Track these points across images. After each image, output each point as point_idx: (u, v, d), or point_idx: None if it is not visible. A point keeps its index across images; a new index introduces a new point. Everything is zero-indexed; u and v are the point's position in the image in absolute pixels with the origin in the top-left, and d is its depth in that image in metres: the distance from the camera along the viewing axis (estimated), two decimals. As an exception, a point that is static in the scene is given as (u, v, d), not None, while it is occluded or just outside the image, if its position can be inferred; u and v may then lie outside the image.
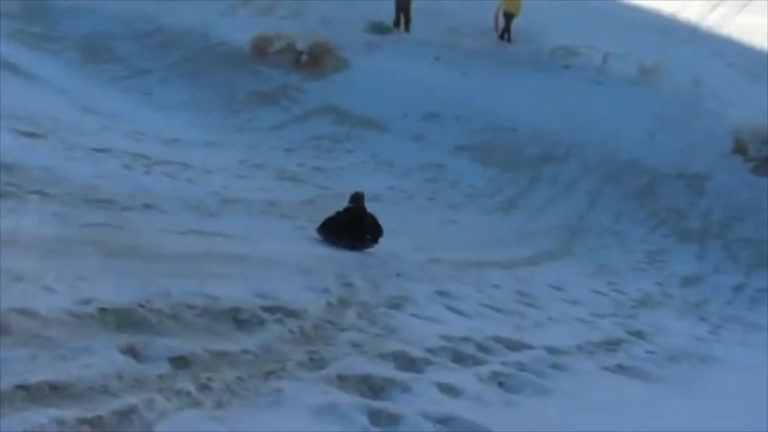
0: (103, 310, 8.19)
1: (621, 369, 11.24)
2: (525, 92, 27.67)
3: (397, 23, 31.11)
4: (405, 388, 8.38)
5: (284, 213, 16.97)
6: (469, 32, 31.17)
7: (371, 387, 8.28)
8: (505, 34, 30.86)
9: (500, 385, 9.35)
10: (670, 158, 25.61)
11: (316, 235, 14.94)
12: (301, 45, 28.72)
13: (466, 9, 32.18)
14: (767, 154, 25.70)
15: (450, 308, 12.11)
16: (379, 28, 30.88)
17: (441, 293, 12.78)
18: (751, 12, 35.28)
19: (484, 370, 9.56)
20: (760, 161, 25.59)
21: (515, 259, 18.38)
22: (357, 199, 15.21)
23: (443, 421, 7.83)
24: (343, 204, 15.38)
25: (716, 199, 24.51)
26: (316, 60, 28.51)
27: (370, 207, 15.45)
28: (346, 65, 28.72)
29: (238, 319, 9.20)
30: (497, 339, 10.87)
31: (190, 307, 9.02)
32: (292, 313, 9.76)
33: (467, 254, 17.30)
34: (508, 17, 30.69)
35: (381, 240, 14.99)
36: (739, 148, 25.99)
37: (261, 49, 28.82)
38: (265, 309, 9.61)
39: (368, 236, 14.96)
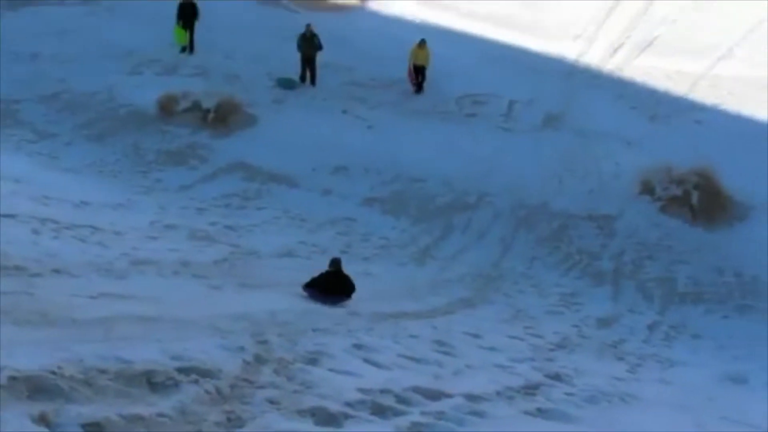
0: (13, 379, 7.95)
1: (540, 412, 11.23)
2: (432, 142, 27.87)
3: (303, 78, 31.13)
4: (324, 444, 8.27)
5: (197, 273, 16.80)
6: (375, 85, 31.35)
7: (290, 444, 8.16)
8: (419, 86, 31.09)
9: (420, 435, 9.29)
10: (580, 201, 25.92)
11: (302, 292, 16.97)
12: (207, 103, 28.55)
13: (371, 63, 32.31)
14: (674, 193, 26.09)
15: (368, 361, 12.01)
16: (285, 84, 30.87)
17: (358, 346, 12.68)
18: (651, 54, 35.97)
19: (404, 421, 9.49)
20: (667, 201, 26.01)
21: (431, 308, 18.37)
22: (336, 263, 17.63)
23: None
24: (258, 261, 15.42)
25: (627, 239, 24.83)
26: (223, 117, 28.38)
27: (283, 263, 15.43)
28: (254, 121, 28.66)
29: (152, 382, 9.00)
30: (416, 389, 10.79)
31: (103, 371, 8.79)
32: (207, 374, 9.59)
33: (383, 306, 17.25)
34: (419, 69, 30.92)
35: (354, 295, 17.37)
36: (646, 189, 26.38)
37: (167, 108, 28.61)
38: (180, 370, 9.42)
39: (346, 293, 17.31)
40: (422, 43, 30.81)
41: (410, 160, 26.79)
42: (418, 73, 31.06)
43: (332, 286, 17.17)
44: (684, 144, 29.14)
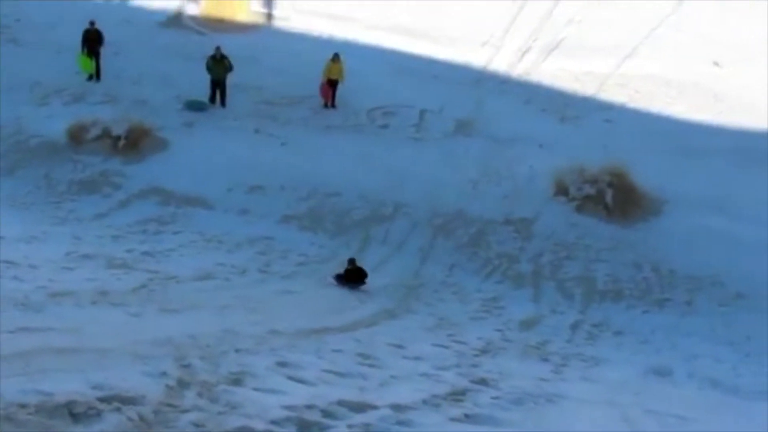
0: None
1: (467, 418, 11.24)
2: (346, 156, 27.90)
3: (213, 99, 30.98)
4: (252, 463, 8.20)
5: (116, 301, 16.56)
6: (286, 102, 31.33)
7: (217, 466, 8.08)
8: (330, 101, 31.14)
9: (346, 448, 9.26)
10: (496, 206, 26.08)
11: (332, 281, 21.37)
12: (117, 129, 28.23)
13: (281, 81, 32.31)
14: (588, 192, 26.36)
15: (292, 378, 11.93)
16: (195, 106, 30.69)
17: (281, 364, 12.59)
18: (559, 57, 36.38)
19: (330, 435, 9.45)
20: (582, 200, 26.27)
21: (354, 321, 18.30)
22: (352, 261, 22.02)
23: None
24: (177, 286, 15.34)
25: (544, 241, 25.01)
26: (134, 143, 28.10)
27: (202, 286, 15.32)
28: (166, 145, 28.41)
29: (74, 413, 8.87)
30: (341, 403, 10.74)
31: (23, 406, 8.66)
32: (129, 401, 9.47)
33: (305, 322, 17.15)
34: (332, 83, 30.97)
35: (367, 280, 21.74)
36: (561, 190, 26.63)
37: (77, 137, 28.25)
38: (102, 399, 9.29)
39: (362, 280, 21.67)
40: (336, 58, 30.91)
41: (325, 175, 26.77)
42: (332, 88, 31.10)
43: (353, 277, 21.74)
44: (595, 143, 29.54)
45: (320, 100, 31.27)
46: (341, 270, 22.14)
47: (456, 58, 35.65)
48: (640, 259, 24.69)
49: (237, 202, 25.94)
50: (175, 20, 38.02)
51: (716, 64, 36.92)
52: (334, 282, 21.83)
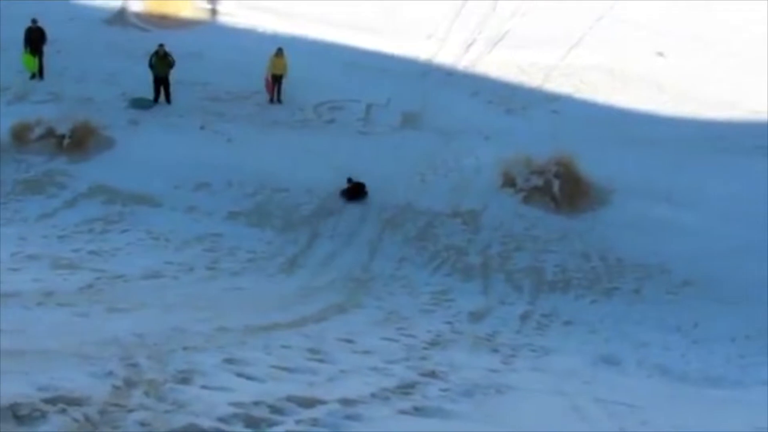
0: None
1: (417, 410, 11.21)
2: (293, 151, 27.83)
3: (157, 97, 30.80)
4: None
5: (62, 302, 16.41)
6: (231, 99, 31.25)
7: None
8: (275, 96, 31.06)
9: (294, 443, 9.22)
10: (444, 198, 26.11)
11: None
12: (62, 128, 27.96)
13: (226, 77, 32.21)
14: (535, 183, 26.47)
15: (240, 374, 11.84)
16: (140, 104, 30.53)
17: (230, 361, 12.50)
18: (504, 48, 36.51)
19: (278, 430, 9.39)
20: (530, 191, 26.37)
21: (303, 317, 18.22)
22: (350, 180, 25.72)
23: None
24: (125, 285, 15.41)
25: (493, 232, 25.07)
26: (79, 142, 27.83)
27: (149, 284, 15.24)
28: (111, 144, 28.21)
29: (18, 415, 8.74)
30: (290, 398, 10.67)
31: (-35, 409, 8.55)
32: (75, 402, 9.35)
33: (254, 319, 17.06)
34: (276, 78, 30.89)
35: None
36: (508, 181, 26.72)
37: (21, 137, 27.94)
38: (47, 401, 9.16)
39: (363, 195, 25.37)
40: (279, 53, 30.84)
41: (272, 171, 26.70)
42: (276, 83, 31.03)
43: (356, 192, 25.42)
44: (542, 134, 29.71)
45: (266, 96, 31.17)
46: (345, 186, 26.00)
47: (402, 52, 35.68)
48: (588, 249, 24.82)
49: (184, 199, 25.78)
50: (119, 17, 37.79)
51: (660, 54, 37.23)
52: (342, 198, 25.93)
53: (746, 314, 22.06)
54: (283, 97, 31.16)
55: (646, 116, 32.32)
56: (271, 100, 31.14)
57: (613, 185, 27.15)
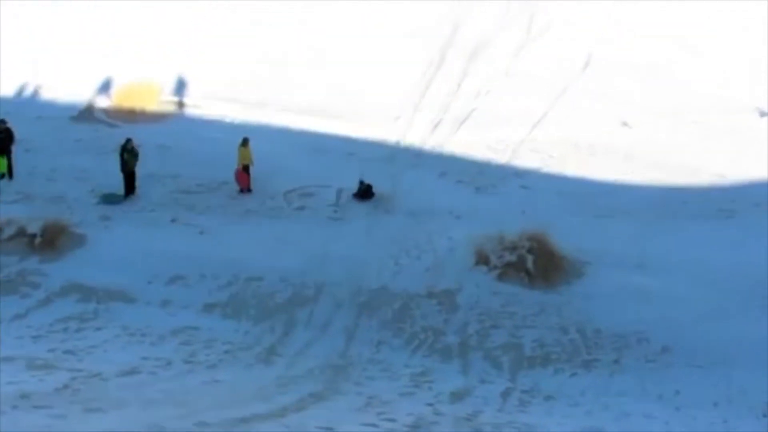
0: None
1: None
2: (265, 240, 27.87)
3: (128, 192, 30.79)
4: None
5: (38, 403, 16.29)
6: (202, 190, 31.24)
7: None
8: (245, 186, 31.17)
9: None
10: (418, 279, 26.13)
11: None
12: (33, 227, 27.92)
13: (196, 168, 32.26)
14: (508, 260, 26.52)
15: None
16: (110, 199, 30.50)
17: (210, 456, 12.44)
18: (470, 127, 36.77)
19: None
20: (504, 268, 26.40)
21: (283, 407, 18.15)
22: (362, 182, 30.54)
23: None
24: (102, 383, 15.30)
25: (469, 311, 25.08)
26: (51, 240, 27.78)
27: (127, 381, 15.08)
28: (83, 241, 28.15)
29: None
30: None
31: None
32: None
33: (234, 411, 16.99)
34: (246, 168, 31.00)
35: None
36: (482, 259, 26.76)
37: (-8, 238, 27.87)
38: None
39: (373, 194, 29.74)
40: (245, 142, 30.95)
41: (245, 261, 26.68)
42: (247, 173, 31.12)
43: (366, 194, 30.19)
44: (513, 210, 29.85)
45: (236, 186, 31.22)
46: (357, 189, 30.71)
47: (369, 135, 35.86)
48: (565, 322, 24.85)
49: (158, 293, 25.71)
50: (86, 114, 37.88)
51: (625, 124, 37.55)
52: (355, 200, 30.48)
53: (726, 377, 22.20)
54: (253, 186, 31.18)
55: (614, 186, 32.53)
56: (241, 191, 31.14)
57: (586, 257, 27.26)
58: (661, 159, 34.59)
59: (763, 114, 38.75)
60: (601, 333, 24.34)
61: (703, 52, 47.06)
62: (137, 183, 30.90)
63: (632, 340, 24.05)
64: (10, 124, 31.69)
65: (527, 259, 26.54)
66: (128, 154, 30.53)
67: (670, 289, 25.95)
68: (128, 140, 30.65)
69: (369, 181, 31.21)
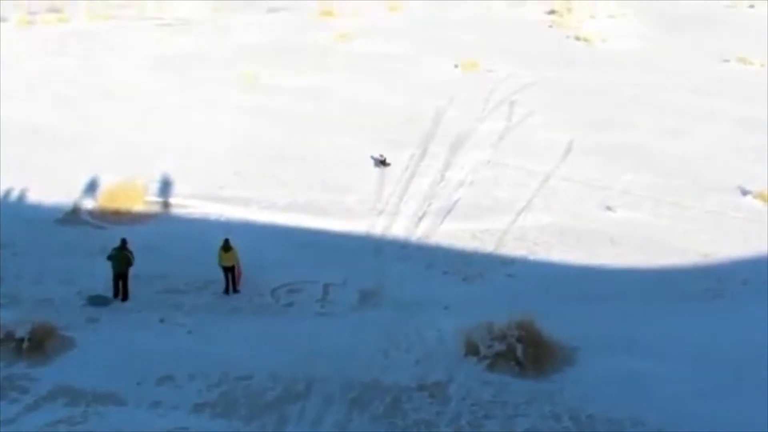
0: None
1: None
2: (254, 337, 27.83)
3: (116, 293, 30.78)
4: None
5: None
6: (189, 289, 31.30)
7: None
8: (229, 287, 31.19)
9: None
10: (408, 372, 26.03)
11: None
12: (20, 331, 27.70)
13: (183, 268, 32.35)
14: (498, 349, 26.47)
15: None
16: (98, 301, 30.49)
17: None
18: (455, 218, 37.06)
19: None
20: (493, 358, 26.34)
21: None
22: (382, 155, 41.74)
23: None
24: None
25: (461, 402, 24.93)
26: (39, 344, 27.59)
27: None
28: (72, 344, 27.99)
29: None
30: None
31: None
32: None
33: None
34: (227, 269, 31.02)
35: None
36: (471, 349, 26.70)
37: (-23, 345, 27.73)
38: None
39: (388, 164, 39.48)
40: (227, 245, 31.00)
41: (234, 359, 26.56)
42: (229, 273, 31.11)
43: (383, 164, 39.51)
44: (500, 299, 29.91)
45: (223, 285, 31.24)
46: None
47: (354, 229, 36.13)
48: (557, 410, 24.70)
49: (148, 394, 25.51)
50: (73, 216, 38.08)
51: (609, 208, 37.82)
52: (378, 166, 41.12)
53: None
54: (240, 287, 31.22)
55: (600, 270, 32.73)
56: (226, 291, 31.15)
57: (576, 343, 27.22)
58: (646, 241, 34.92)
59: (745, 193, 39.13)
60: (595, 419, 24.20)
61: (684, 133, 47.78)
62: (129, 286, 30.85)
63: (627, 425, 23.89)
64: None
65: (517, 347, 26.47)
66: (116, 257, 30.51)
67: (663, 371, 25.90)
68: (122, 241, 30.74)
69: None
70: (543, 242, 34.97)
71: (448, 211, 37.71)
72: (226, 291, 31.20)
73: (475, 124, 49.12)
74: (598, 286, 31.50)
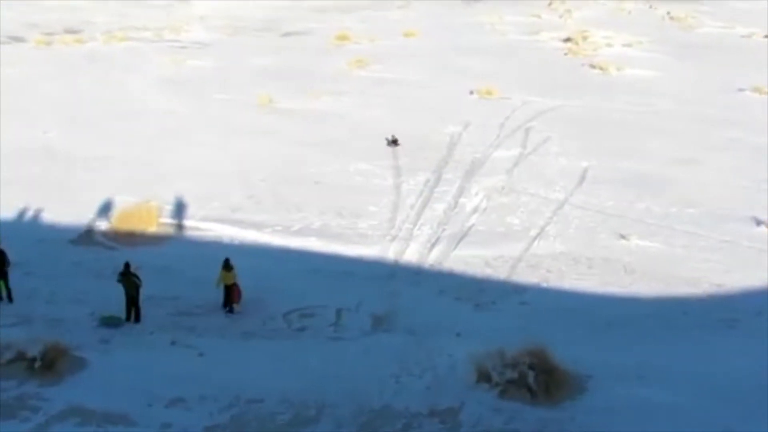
0: None
1: None
2: (265, 361, 27.76)
3: (129, 315, 30.79)
4: None
5: None
6: (201, 312, 31.29)
7: None
8: (228, 306, 31.27)
9: None
10: (420, 398, 25.93)
11: None
12: (32, 351, 27.72)
13: (195, 290, 32.31)
14: (510, 377, 26.38)
15: None
16: (110, 322, 30.47)
17: None
18: (468, 244, 37.04)
19: None
20: (505, 385, 26.24)
21: None
22: (393, 136, 47.03)
23: None
24: None
25: (471, 429, 24.85)
26: (50, 364, 27.60)
27: None
28: (83, 364, 28.00)
29: None
30: None
31: None
32: None
33: None
34: (231, 288, 31.05)
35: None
36: (483, 376, 26.60)
37: (-10, 363, 27.76)
38: None
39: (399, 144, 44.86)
40: (227, 265, 31.08)
41: (245, 382, 26.51)
42: (232, 292, 31.15)
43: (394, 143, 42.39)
44: (513, 327, 29.82)
45: (236, 307, 31.27)
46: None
47: (368, 254, 36.16)
48: (569, 438, 24.66)
49: (158, 416, 25.49)
50: (86, 237, 38.18)
51: (623, 237, 37.77)
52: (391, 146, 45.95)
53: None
54: (249, 306, 31.20)
55: (613, 299, 32.63)
56: (231, 311, 31.17)
57: (588, 371, 27.12)
58: (660, 270, 34.82)
59: (759, 223, 39.05)
60: (607, 448, 24.16)
61: (698, 162, 47.78)
62: (141, 308, 30.85)
63: (638, 455, 23.88)
64: (4, 246, 31.79)
65: (528, 375, 26.37)
66: (127, 279, 30.52)
67: (674, 401, 25.76)
68: (125, 264, 30.71)
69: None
70: (556, 270, 34.93)
71: (462, 238, 37.74)
72: (225, 305, 31.26)
73: (490, 151, 49.25)
74: (611, 314, 31.38)
